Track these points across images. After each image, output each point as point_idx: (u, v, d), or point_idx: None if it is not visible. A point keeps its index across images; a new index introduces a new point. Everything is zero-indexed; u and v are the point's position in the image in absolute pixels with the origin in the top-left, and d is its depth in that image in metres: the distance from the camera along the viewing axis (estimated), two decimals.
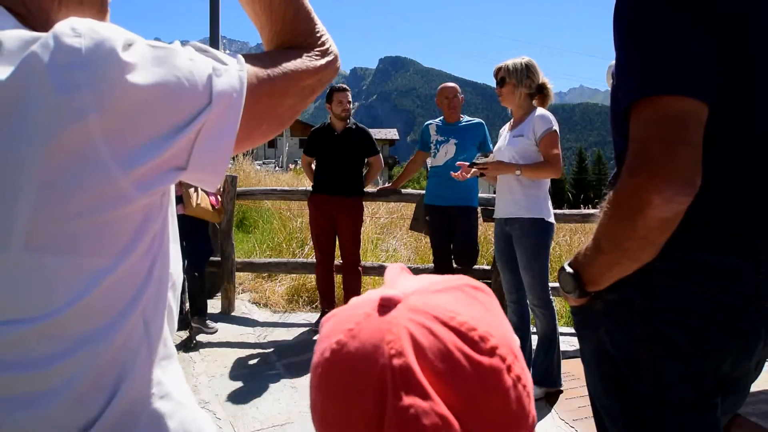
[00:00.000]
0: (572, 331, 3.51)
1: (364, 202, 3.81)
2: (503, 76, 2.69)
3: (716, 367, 0.85)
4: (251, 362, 3.17)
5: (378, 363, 0.35)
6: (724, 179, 0.82)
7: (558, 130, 2.66)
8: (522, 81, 2.65)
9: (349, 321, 0.39)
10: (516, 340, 0.41)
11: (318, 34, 0.66)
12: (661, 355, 0.85)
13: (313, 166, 3.80)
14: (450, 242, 3.53)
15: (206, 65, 0.51)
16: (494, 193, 3.25)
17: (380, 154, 3.91)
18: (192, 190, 3.28)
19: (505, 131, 2.88)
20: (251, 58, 0.57)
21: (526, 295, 2.73)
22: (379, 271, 4.10)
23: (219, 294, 4.22)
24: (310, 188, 3.84)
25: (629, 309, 0.88)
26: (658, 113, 0.75)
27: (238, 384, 2.84)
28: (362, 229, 3.87)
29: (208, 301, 3.80)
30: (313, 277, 4.20)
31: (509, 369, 0.37)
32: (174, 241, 0.60)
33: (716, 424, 0.86)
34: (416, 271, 3.58)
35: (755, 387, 1.03)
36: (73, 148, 0.44)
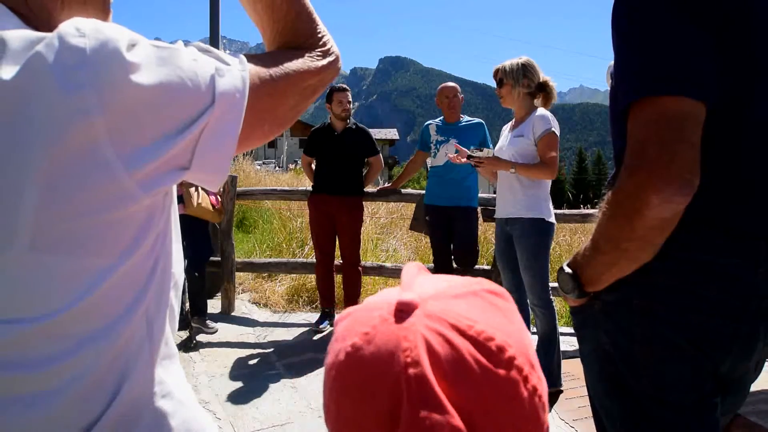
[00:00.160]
0: (572, 331, 3.51)
1: (364, 202, 3.81)
2: (501, 77, 2.70)
3: (715, 367, 0.85)
4: (251, 362, 3.17)
5: (393, 371, 0.35)
6: (723, 179, 0.82)
7: (558, 132, 2.64)
8: (519, 81, 2.65)
9: (365, 324, 0.39)
10: (532, 347, 0.40)
11: (319, 35, 0.66)
12: (660, 356, 0.85)
13: (313, 166, 3.81)
14: (450, 242, 3.53)
15: (209, 65, 0.51)
16: (494, 193, 3.26)
17: (380, 154, 3.91)
18: (193, 189, 3.28)
19: (506, 130, 2.88)
20: (253, 58, 0.58)
21: (526, 295, 2.73)
22: (379, 271, 4.10)
23: (219, 294, 4.22)
24: (310, 188, 3.84)
25: (628, 309, 0.88)
26: (657, 113, 0.76)
27: (238, 384, 2.84)
28: (362, 229, 3.87)
29: (208, 301, 3.80)
30: (313, 277, 4.20)
31: (526, 380, 0.37)
32: (176, 240, 0.60)
33: (715, 424, 0.86)
34: None
35: (755, 387, 1.04)
36: (77, 148, 0.44)
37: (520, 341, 0.38)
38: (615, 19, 0.83)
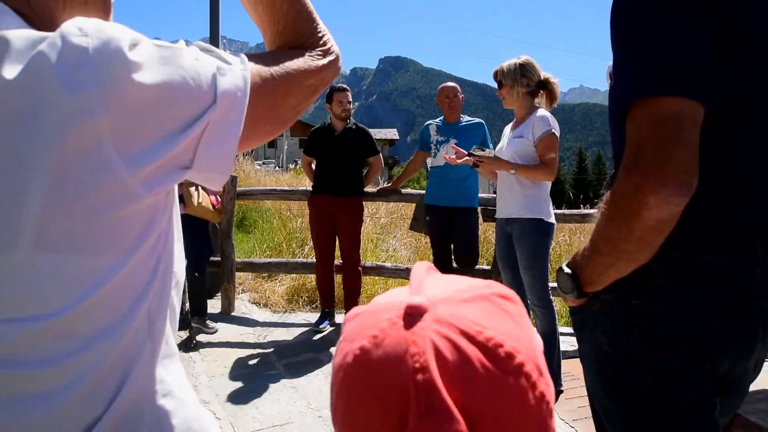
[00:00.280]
0: (572, 331, 3.51)
1: (364, 202, 3.81)
2: (500, 78, 2.70)
3: (714, 367, 0.85)
4: (251, 362, 3.17)
5: (401, 376, 0.35)
6: (721, 180, 0.83)
7: (558, 133, 2.64)
8: (517, 81, 2.64)
9: (373, 326, 0.39)
10: (540, 351, 0.40)
11: (320, 34, 0.66)
12: (659, 356, 0.85)
13: (313, 166, 3.81)
14: (450, 242, 3.53)
15: (211, 64, 0.51)
16: (494, 193, 3.26)
17: (380, 154, 3.91)
18: (193, 189, 3.28)
19: (507, 131, 2.88)
20: (254, 57, 0.58)
21: (526, 295, 2.73)
22: (379, 271, 4.10)
23: (219, 294, 4.22)
24: (310, 188, 3.84)
25: (626, 310, 0.88)
26: (654, 114, 0.76)
27: (238, 384, 2.84)
28: (362, 229, 3.87)
29: (208, 301, 3.80)
30: (313, 277, 4.20)
31: (534, 387, 0.36)
32: (178, 240, 0.61)
33: (715, 424, 0.87)
34: None
35: (754, 387, 1.04)
36: (80, 147, 0.44)
37: (529, 347, 0.38)
38: (614, 18, 0.83)
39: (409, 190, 4.25)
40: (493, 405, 0.35)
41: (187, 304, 3.48)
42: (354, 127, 3.73)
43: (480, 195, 3.60)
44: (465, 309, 0.38)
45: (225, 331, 3.64)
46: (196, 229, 3.40)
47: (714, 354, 0.84)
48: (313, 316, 3.97)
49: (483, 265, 4.05)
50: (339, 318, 3.90)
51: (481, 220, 3.69)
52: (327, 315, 3.77)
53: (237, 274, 4.22)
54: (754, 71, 0.81)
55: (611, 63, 0.91)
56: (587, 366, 0.98)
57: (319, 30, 0.66)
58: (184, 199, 3.22)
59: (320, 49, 0.65)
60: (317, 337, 3.63)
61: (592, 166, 62.94)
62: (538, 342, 0.41)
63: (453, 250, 3.55)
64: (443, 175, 3.45)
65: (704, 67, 0.76)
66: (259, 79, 0.56)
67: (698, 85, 0.75)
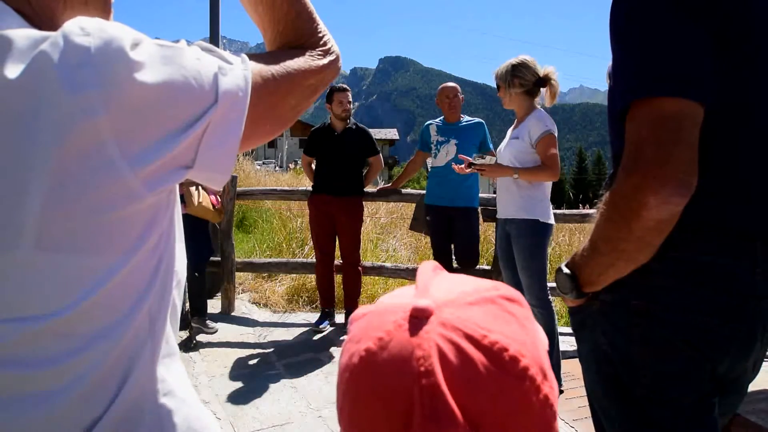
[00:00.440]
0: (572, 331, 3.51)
1: (364, 202, 3.81)
2: (497, 82, 2.74)
3: (713, 367, 0.85)
4: (251, 362, 3.17)
5: (406, 379, 0.35)
6: (721, 180, 0.83)
7: (555, 132, 2.64)
8: (510, 82, 2.66)
9: (379, 328, 0.39)
10: (545, 352, 0.40)
11: (320, 34, 0.66)
12: (658, 356, 0.85)
13: (313, 166, 3.81)
14: (450, 242, 3.53)
15: (212, 64, 0.51)
16: (494, 192, 3.26)
17: (380, 154, 3.91)
18: (193, 188, 3.27)
19: (510, 131, 2.89)
20: (255, 57, 0.58)
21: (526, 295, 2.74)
22: (379, 271, 4.10)
23: (219, 294, 4.22)
24: (310, 188, 3.84)
25: (626, 310, 0.88)
26: (654, 114, 0.76)
27: (238, 384, 2.84)
28: (362, 229, 3.87)
29: (208, 301, 3.80)
30: (313, 277, 4.20)
31: (538, 390, 0.37)
32: (179, 239, 0.61)
33: (714, 424, 0.87)
34: (416, 272, 3.57)
35: (754, 387, 1.04)
36: (82, 147, 0.44)
37: (534, 349, 0.39)
38: (613, 18, 0.83)
39: (409, 190, 4.25)
40: (496, 409, 0.35)
41: (187, 304, 3.48)
42: (354, 127, 3.73)
43: (480, 195, 3.60)
44: (470, 312, 0.39)
45: (225, 331, 3.64)
46: (197, 229, 3.40)
47: (714, 354, 0.84)
48: (313, 316, 3.97)
49: (483, 265, 4.05)
50: (339, 318, 3.90)
51: (481, 220, 3.69)
52: (327, 315, 3.77)
53: (237, 274, 4.22)
54: (754, 71, 0.81)
55: (611, 63, 0.91)
56: (586, 366, 0.98)
57: (319, 30, 0.66)
58: (184, 199, 3.22)
59: (320, 49, 0.65)
60: (317, 337, 3.63)
61: (592, 166, 62.98)
62: (544, 343, 0.41)
63: (453, 250, 3.55)
64: (444, 175, 3.45)
65: (704, 67, 0.76)
66: (260, 78, 0.56)
67: (698, 86, 0.75)
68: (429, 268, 0.45)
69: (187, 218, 3.25)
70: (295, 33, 0.65)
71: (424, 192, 3.74)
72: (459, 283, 0.43)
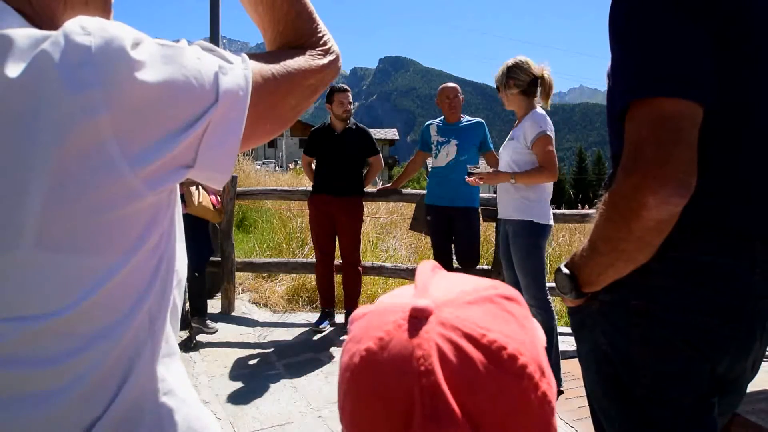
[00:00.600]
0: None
1: (364, 202, 3.81)
2: (495, 84, 2.79)
3: (713, 367, 0.85)
4: (251, 362, 3.17)
5: (406, 379, 0.36)
6: (721, 180, 0.83)
7: (551, 133, 2.63)
8: (505, 84, 2.70)
9: (379, 328, 0.39)
10: (543, 350, 0.41)
11: (320, 34, 0.66)
12: (658, 356, 0.85)
13: (313, 166, 3.81)
14: (451, 242, 3.54)
15: (213, 63, 0.51)
16: (494, 192, 3.27)
17: (380, 154, 3.91)
18: (193, 188, 3.27)
19: (512, 131, 2.91)
20: (255, 57, 0.58)
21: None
22: (379, 271, 4.10)
23: (219, 294, 4.23)
24: (310, 188, 3.84)
25: (625, 310, 0.88)
26: (653, 115, 0.76)
27: (238, 384, 2.84)
28: (362, 229, 3.87)
29: (208, 301, 3.80)
30: (313, 277, 4.20)
31: (536, 388, 0.37)
32: (180, 239, 0.61)
33: (713, 424, 0.87)
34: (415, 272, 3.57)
35: (754, 387, 1.04)
36: (83, 146, 0.44)
37: (532, 348, 0.39)
38: (612, 18, 0.83)
39: (409, 190, 4.25)
40: (496, 407, 0.36)
41: (187, 304, 3.48)
42: (354, 127, 3.73)
43: (480, 195, 3.61)
44: (469, 311, 0.39)
45: (225, 331, 3.64)
46: (197, 229, 3.41)
47: (713, 354, 0.84)
48: (313, 316, 3.97)
49: (483, 265, 4.05)
50: (339, 318, 3.90)
51: (481, 220, 3.69)
52: (327, 315, 3.77)
53: (237, 274, 4.22)
54: (754, 71, 0.81)
55: (611, 63, 0.91)
56: (586, 366, 0.98)
57: (319, 30, 0.66)
58: (184, 199, 3.22)
59: (320, 49, 0.65)
60: (317, 337, 3.63)
61: (592, 166, 63.03)
62: (542, 340, 0.42)
63: (454, 250, 3.55)
64: (444, 175, 3.46)
65: (704, 67, 0.76)
66: (261, 78, 0.56)
67: (698, 86, 0.75)
68: (428, 268, 0.45)
69: (187, 218, 3.25)
70: (295, 33, 0.65)
71: (424, 192, 3.74)
72: (458, 282, 0.43)
